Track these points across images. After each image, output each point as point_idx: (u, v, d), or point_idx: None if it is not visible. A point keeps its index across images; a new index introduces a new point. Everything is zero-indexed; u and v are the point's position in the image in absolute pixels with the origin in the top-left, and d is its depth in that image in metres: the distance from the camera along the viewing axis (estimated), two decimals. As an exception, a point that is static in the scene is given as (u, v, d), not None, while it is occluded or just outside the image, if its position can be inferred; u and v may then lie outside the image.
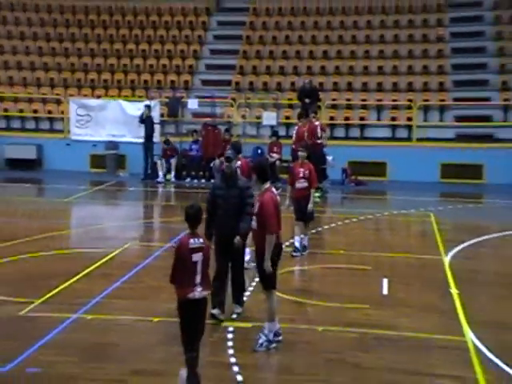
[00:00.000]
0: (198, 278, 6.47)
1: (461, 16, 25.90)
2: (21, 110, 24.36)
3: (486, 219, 17.49)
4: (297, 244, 12.19)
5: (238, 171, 9.87)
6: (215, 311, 8.07)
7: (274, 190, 8.33)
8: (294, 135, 18.72)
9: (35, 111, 24.33)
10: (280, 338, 7.98)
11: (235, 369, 7.48)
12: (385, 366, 7.87)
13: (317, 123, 18.74)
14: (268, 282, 8.00)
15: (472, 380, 7.47)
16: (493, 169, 20.50)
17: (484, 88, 23.56)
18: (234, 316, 8.55)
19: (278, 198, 8.53)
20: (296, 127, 18.97)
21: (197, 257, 6.46)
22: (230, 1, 28.66)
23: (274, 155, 19.80)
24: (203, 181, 20.56)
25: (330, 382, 7.52)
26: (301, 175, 12.19)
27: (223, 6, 28.37)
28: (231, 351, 8.01)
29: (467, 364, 7.93)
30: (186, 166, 21.34)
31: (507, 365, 7.78)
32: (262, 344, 7.86)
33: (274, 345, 8.09)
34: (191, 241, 6.41)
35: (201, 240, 6.58)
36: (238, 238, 7.95)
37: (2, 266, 12.19)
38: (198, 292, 6.43)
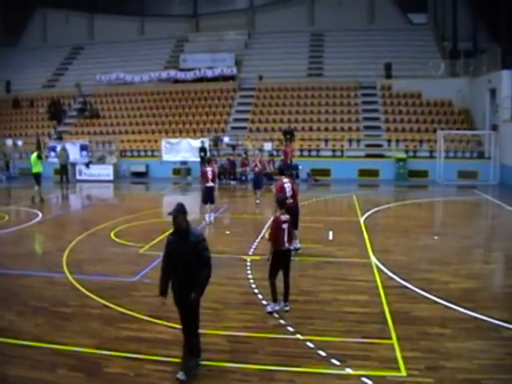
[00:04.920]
0: (286, 238, 7.69)
1: (366, 101, 30.93)
2: (137, 146, 30.25)
3: (380, 197, 21.15)
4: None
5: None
6: (180, 375, 6.41)
7: (285, 179, 10.60)
8: (285, 152, 22.62)
9: (145, 146, 30.28)
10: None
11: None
12: (330, 276, 9.60)
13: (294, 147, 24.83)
14: (295, 226, 9.80)
15: (373, 281, 9.22)
16: (384, 171, 26.51)
17: (378, 131, 29.05)
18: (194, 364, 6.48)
19: (289, 185, 10.54)
20: (285, 148, 23.31)
21: (285, 225, 7.69)
22: (246, 83, 34.56)
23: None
24: (232, 182, 25.74)
25: (300, 286, 8.80)
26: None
27: (242, 87, 34.57)
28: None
29: (371, 273, 9.74)
30: (222, 172, 25.60)
31: (391, 272, 9.70)
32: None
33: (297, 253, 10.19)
34: (282, 217, 7.74)
35: (287, 216, 7.74)
36: (193, 296, 6.33)
37: (129, 227, 14.60)
38: (286, 246, 7.75)
